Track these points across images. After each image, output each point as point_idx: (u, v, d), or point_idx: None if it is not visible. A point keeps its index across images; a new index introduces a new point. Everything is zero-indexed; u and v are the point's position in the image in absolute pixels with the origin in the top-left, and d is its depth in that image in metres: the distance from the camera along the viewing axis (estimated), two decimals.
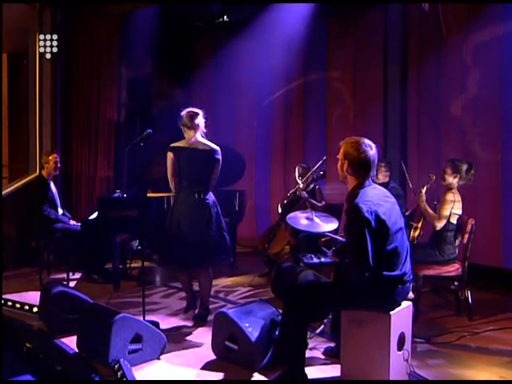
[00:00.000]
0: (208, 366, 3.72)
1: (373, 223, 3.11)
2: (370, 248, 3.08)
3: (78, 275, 6.33)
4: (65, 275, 6.09)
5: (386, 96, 6.99)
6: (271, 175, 8.38)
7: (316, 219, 4.51)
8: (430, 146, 6.49)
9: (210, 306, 4.85)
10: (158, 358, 3.83)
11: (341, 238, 4.42)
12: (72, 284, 5.88)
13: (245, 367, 3.61)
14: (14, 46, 8.43)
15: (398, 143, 6.83)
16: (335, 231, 4.87)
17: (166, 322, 4.61)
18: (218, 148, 4.71)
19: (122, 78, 7.80)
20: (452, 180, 4.70)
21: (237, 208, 6.70)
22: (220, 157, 4.70)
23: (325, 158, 5.90)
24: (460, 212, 4.70)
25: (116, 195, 6.27)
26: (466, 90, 6.20)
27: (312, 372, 3.49)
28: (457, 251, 4.77)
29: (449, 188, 4.72)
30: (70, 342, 4.04)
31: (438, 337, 4.19)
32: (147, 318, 4.37)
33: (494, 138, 6.01)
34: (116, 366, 3.48)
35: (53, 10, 7.36)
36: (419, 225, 4.85)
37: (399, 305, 3.35)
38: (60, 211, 6.24)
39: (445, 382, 3.50)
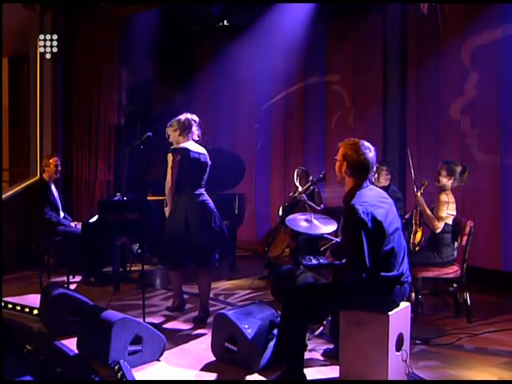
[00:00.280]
0: (207, 367, 3.73)
1: (369, 224, 3.13)
2: (366, 249, 3.10)
3: (78, 278, 6.35)
4: (65, 278, 6.10)
5: (386, 99, 7.01)
6: (271, 179, 8.40)
7: (315, 221, 4.53)
8: (429, 148, 6.51)
9: (210, 309, 4.86)
10: (158, 360, 3.84)
11: (339, 240, 4.45)
12: (72, 287, 5.88)
13: (244, 368, 3.62)
14: (15, 50, 8.46)
15: (397, 146, 6.84)
16: (334, 233, 4.89)
17: (166, 325, 4.63)
18: None
19: (122, 82, 7.83)
20: (446, 182, 4.76)
21: (236, 211, 6.72)
22: None
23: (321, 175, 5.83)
24: (454, 213, 4.74)
25: (116, 198, 6.28)
26: (465, 93, 6.23)
27: (311, 373, 3.50)
28: (455, 253, 4.79)
29: (442, 189, 4.76)
30: (70, 344, 4.06)
31: (436, 338, 4.20)
32: (147, 320, 4.39)
33: (492, 141, 6.04)
34: (116, 367, 3.50)
35: (53, 14, 7.39)
36: (419, 229, 4.85)
37: (398, 305, 3.37)
38: (61, 214, 6.26)
39: (444, 382, 3.51)
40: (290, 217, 4.75)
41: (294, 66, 7.82)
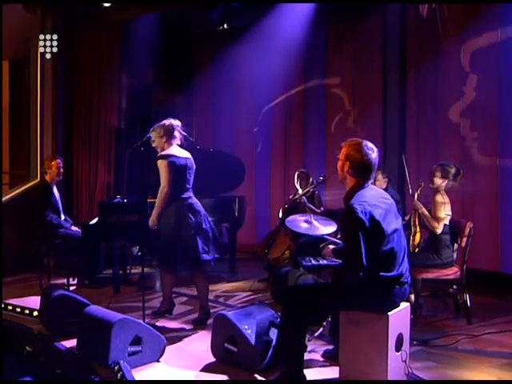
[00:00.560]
0: (207, 368, 3.73)
1: (367, 224, 3.13)
2: (363, 248, 3.11)
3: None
4: (65, 281, 6.11)
5: (385, 101, 7.03)
6: (271, 181, 8.41)
7: (315, 222, 4.53)
8: (428, 150, 6.52)
9: (210, 311, 4.86)
10: (158, 361, 3.84)
11: (340, 241, 4.46)
12: (72, 289, 5.89)
13: (244, 369, 3.62)
14: (16, 53, 8.50)
15: (397, 148, 6.86)
16: (334, 234, 4.90)
17: (166, 326, 4.62)
18: None
19: (122, 84, 7.86)
20: (440, 183, 4.81)
21: (236, 214, 6.72)
22: None
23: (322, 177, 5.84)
24: (450, 213, 4.77)
25: (116, 200, 6.30)
26: (464, 95, 6.25)
27: (311, 374, 3.50)
28: (455, 255, 4.81)
29: (437, 191, 4.80)
30: (71, 345, 4.06)
31: (436, 340, 4.21)
32: (147, 321, 4.40)
33: (492, 143, 6.05)
34: (116, 368, 3.49)
35: (54, 17, 7.42)
36: (418, 231, 4.86)
37: (398, 306, 3.37)
38: (62, 217, 6.26)
39: (444, 382, 3.51)
40: (290, 218, 4.76)
41: (293, 69, 7.85)
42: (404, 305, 3.45)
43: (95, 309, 3.96)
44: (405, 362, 3.36)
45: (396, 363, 3.30)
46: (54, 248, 6.23)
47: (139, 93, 8.12)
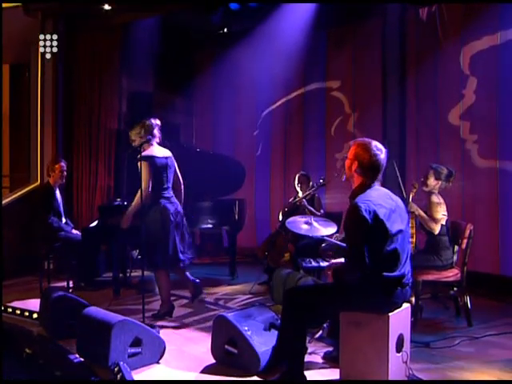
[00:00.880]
0: (207, 370, 3.72)
1: (370, 222, 3.13)
2: (366, 247, 3.11)
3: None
4: (65, 283, 6.11)
5: (385, 104, 7.04)
6: (271, 185, 8.42)
7: (315, 223, 4.54)
8: (428, 153, 6.52)
9: (210, 313, 4.96)
10: (158, 362, 3.83)
11: (340, 243, 4.46)
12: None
13: (244, 371, 3.61)
14: (17, 57, 8.52)
15: (397, 151, 6.87)
16: (334, 235, 4.90)
17: (166, 328, 4.61)
18: None
19: (122, 87, 7.87)
20: (434, 185, 4.87)
21: (236, 217, 6.71)
22: None
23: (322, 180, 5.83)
24: (446, 213, 4.80)
25: (116, 203, 6.30)
26: (464, 98, 6.26)
27: (311, 375, 3.49)
28: (455, 257, 4.81)
29: (431, 192, 4.84)
30: (70, 347, 4.05)
31: (437, 341, 4.20)
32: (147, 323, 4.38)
33: (491, 146, 6.06)
34: (116, 369, 3.48)
35: (55, 21, 7.43)
36: (413, 232, 4.87)
37: (399, 307, 3.36)
38: (63, 220, 6.25)
39: (444, 382, 3.50)
40: (290, 219, 4.76)
41: (293, 73, 7.87)
42: (405, 305, 3.44)
43: (95, 310, 3.95)
44: (405, 363, 3.35)
45: (396, 364, 3.29)
46: (54, 251, 6.23)
47: (139, 95, 8.13)
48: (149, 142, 4.78)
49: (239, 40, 7.89)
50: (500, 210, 6.00)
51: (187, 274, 5.08)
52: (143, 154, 4.70)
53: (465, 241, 4.68)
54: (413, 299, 4.45)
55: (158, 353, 3.83)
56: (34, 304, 5.12)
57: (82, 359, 3.85)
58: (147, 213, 4.72)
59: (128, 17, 7.43)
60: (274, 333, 3.77)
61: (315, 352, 3.97)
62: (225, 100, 8.66)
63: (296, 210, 6.14)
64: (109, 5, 7.07)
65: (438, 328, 4.64)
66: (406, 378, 3.36)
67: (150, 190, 4.70)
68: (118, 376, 3.42)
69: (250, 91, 8.30)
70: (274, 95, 8.26)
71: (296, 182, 6.39)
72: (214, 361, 3.83)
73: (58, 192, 6.24)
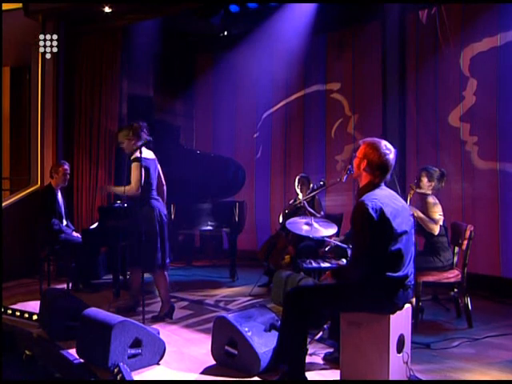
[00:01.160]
0: (207, 371, 3.71)
1: (376, 220, 3.13)
2: (371, 244, 3.12)
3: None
4: (65, 286, 6.11)
5: (385, 106, 7.04)
6: (271, 187, 8.42)
7: (315, 224, 4.53)
8: (428, 155, 6.52)
9: (210, 315, 4.96)
10: (158, 363, 3.83)
11: (341, 244, 4.46)
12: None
13: (244, 372, 3.60)
14: (17, 60, 8.54)
15: (397, 153, 6.86)
16: (335, 236, 4.90)
17: (166, 330, 4.60)
18: None
19: (123, 90, 7.86)
20: (427, 187, 4.91)
21: (236, 218, 6.71)
22: None
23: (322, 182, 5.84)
24: (442, 214, 4.82)
25: (116, 205, 6.29)
26: (464, 100, 6.26)
27: (311, 376, 3.49)
28: (455, 258, 4.81)
29: (426, 194, 4.87)
30: (70, 349, 4.04)
31: (437, 343, 4.19)
32: (147, 326, 4.37)
33: (492, 147, 6.06)
34: (115, 370, 3.48)
35: (55, 23, 7.44)
36: None
37: (400, 309, 3.34)
38: (64, 222, 6.24)
39: (444, 382, 3.49)
40: (291, 220, 4.76)
41: (293, 75, 7.90)
42: (405, 306, 3.42)
43: (95, 311, 3.94)
44: (406, 363, 3.34)
45: (397, 365, 3.28)
46: (54, 253, 6.22)
47: (140, 98, 8.14)
48: (136, 144, 4.83)
49: (239, 42, 7.91)
50: (500, 212, 6.00)
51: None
52: (138, 155, 4.75)
53: (465, 242, 4.68)
54: (413, 300, 4.44)
55: (157, 354, 3.83)
56: (34, 306, 5.13)
57: (81, 360, 3.84)
58: (141, 214, 4.78)
59: (128, 19, 7.43)
60: (275, 334, 3.77)
61: (316, 353, 3.96)
62: (225, 102, 8.67)
63: (296, 211, 6.14)
64: (109, 7, 7.06)
65: (438, 329, 4.63)
66: (406, 379, 3.35)
67: (139, 191, 4.77)
68: (118, 377, 3.42)
69: (250, 94, 8.31)
70: (274, 98, 8.27)
71: (296, 184, 6.39)
72: (214, 362, 3.82)
73: (59, 194, 6.24)
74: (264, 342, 3.69)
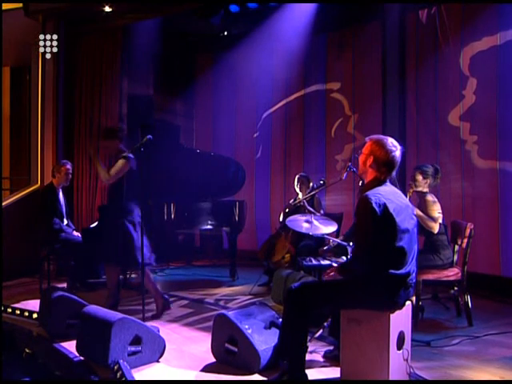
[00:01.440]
0: (207, 369, 3.71)
1: (379, 215, 3.14)
2: (373, 238, 3.13)
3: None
4: (65, 285, 6.11)
5: (385, 106, 7.04)
6: (271, 187, 8.42)
7: (315, 222, 4.52)
8: (428, 155, 6.53)
9: (210, 314, 4.96)
10: (158, 361, 3.82)
11: (341, 242, 4.45)
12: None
13: (244, 369, 3.60)
14: (17, 60, 8.55)
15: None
16: (335, 234, 4.90)
17: (166, 328, 4.60)
18: None
19: (123, 90, 7.86)
20: (424, 185, 4.93)
21: (237, 218, 6.71)
22: None
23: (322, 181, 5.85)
24: (441, 212, 4.82)
25: None
26: (464, 99, 6.27)
27: (312, 374, 3.47)
28: (455, 256, 4.82)
29: (424, 192, 4.88)
30: (70, 347, 4.04)
31: (438, 341, 4.19)
32: (147, 324, 4.37)
33: (492, 147, 6.07)
34: (115, 367, 3.48)
35: (56, 23, 7.45)
36: None
37: (400, 308, 3.34)
38: (65, 221, 6.24)
39: (445, 382, 3.49)
40: (291, 218, 4.75)
41: (293, 75, 7.91)
42: (405, 303, 3.42)
43: (95, 308, 3.94)
44: (406, 360, 3.33)
45: (397, 362, 3.27)
46: (54, 252, 6.21)
47: (140, 98, 8.14)
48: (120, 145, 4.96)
49: (239, 42, 7.91)
50: (500, 211, 5.99)
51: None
52: (126, 154, 4.85)
53: (465, 240, 4.68)
54: (413, 299, 4.44)
55: (157, 351, 3.82)
56: (33, 305, 5.12)
57: (81, 358, 3.84)
58: (128, 212, 4.87)
59: (128, 19, 7.44)
60: (275, 331, 3.77)
61: (316, 351, 3.96)
62: (225, 102, 8.68)
63: (296, 211, 6.13)
64: (109, 7, 7.07)
65: (438, 327, 4.63)
66: (407, 376, 3.35)
67: (111, 182, 4.89)
68: (118, 374, 3.41)
69: (250, 93, 8.32)
70: (274, 97, 8.28)
71: (296, 183, 6.38)
72: (214, 360, 3.82)
73: (61, 193, 6.24)
74: (264, 339, 3.68)
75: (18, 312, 4.94)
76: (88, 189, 7.71)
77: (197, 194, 6.77)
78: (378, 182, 3.34)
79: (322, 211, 6.27)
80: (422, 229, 4.79)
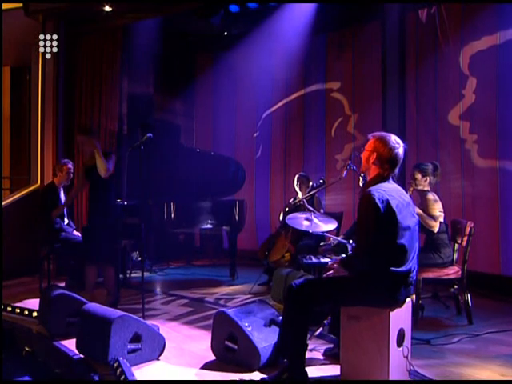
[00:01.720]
0: (207, 366, 3.71)
1: (382, 211, 3.14)
2: (375, 234, 3.13)
3: None
4: (64, 284, 6.10)
5: (385, 105, 7.04)
6: (271, 187, 8.42)
7: (315, 220, 4.53)
8: (428, 154, 6.52)
9: (210, 312, 4.94)
10: (157, 359, 3.82)
11: (341, 240, 4.45)
12: None
13: (244, 367, 3.60)
14: (17, 60, 8.55)
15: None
16: (335, 231, 4.90)
17: (166, 326, 4.60)
18: None
19: (123, 90, 7.87)
20: (424, 183, 4.93)
21: (236, 217, 6.71)
22: None
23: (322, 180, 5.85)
24: (442, 211, 4.82)
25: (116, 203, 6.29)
26: (464, 99, 6.27)
27: (311, 372, 3.47)
28: (455, 255, 4.81)
29: (424, 191, 4.88)
30: (70, 345, 4.04)
31: (438, 339, 4.19)
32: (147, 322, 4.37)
33: (491, 146, 6.06)
34: (115, 365, 3.48)
35: (56, 23, 7.45)
36: None
37: (400, 305, 3.34)
38: (66, 221, 6.23)
39: (445, 382, 3.48)
40: (291, 216, 4.75)
41: (293, 74, 7.91)
42: (406, 300, 3.42)
43: (94, 306, 3.95)
44: (406, 357, 3.33)
45: (397, 359, 3.27)
46: (54, 252, 6.21)
47: (140, 98, 8.15)
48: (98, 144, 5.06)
49: (239, 42, 7.91)
50: (500, 210, 5.99)
51: None
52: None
53: (465, 238, 4.68)
54: (413, 297, 4.44)
55: (157, 349, 3.82)
56: (33, 304, 5.12)
57: (81, 356, 3.84)
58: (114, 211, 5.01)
59: (128, 18, 7.44)
60: (275, 329, 3.77)
61: (316, 349, 3.96)
62: (225, 102, 8.68)
63: (296, 210, 6.12)
64: (109, 6, 7.07)
65: (438, 326, 4.62)
66: (407, 373, 3.35)
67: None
68: (118, 371, 3.42)
69: (250, 93, 8.32)
70: (274, 97, 8.29)
71: (295, 182, 6.38)
72: (213, 358, 3.82)
73: (62, 192, 6.24)
74: (264, 336, 3.68)
75: (17, 310, 4.95)
76: (88, 188, 7.69)
77: (197, 193, 6.77)
78: (382, 178, 3.35)
79: (321, 210, 6.27)
80: (423, 227, 4.79)
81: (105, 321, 3.62)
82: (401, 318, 3.32)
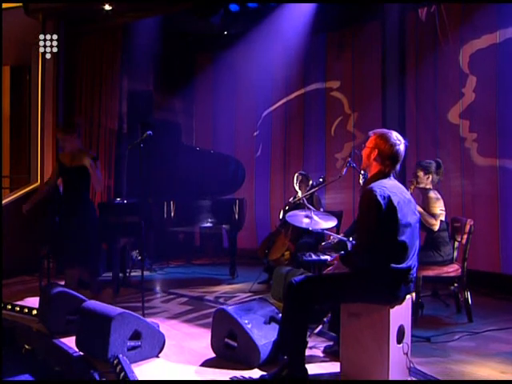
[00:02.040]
0: (207, 364, 3.71)
1: (383, 207, 3.14)
2: (376, 231, 3.13)
3: None
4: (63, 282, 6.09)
5: (385, 104, 7.05)
6: (271, 186, 8.42)
7: (315, 217, 4.53)
8: (428, 153, 6.51)
9: (210, 311, 4.92)
10: (157, 356, 3.82)
11: (341, 237, 4.45)
12: None
13: (244, 364, 3.59)
14: (17, 59, 8.55)
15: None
16: (335, 229, 4.89)
17: (166, 324, 4.60)
18: None
19: (123, 89, 7.88)
20: (426, 181, 4.89)
21: (236, 216, 6.71)
22: None
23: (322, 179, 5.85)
24: (444, 209, 4.80)
25: (116, 202, 6.30)
26: (464, 97, 6.27)
27: (311, 369, 3.46)
28: (455, 252, 4.81)
29: (426, 189, 4.86)
30: (70, 343, 4.03)
31: (438, 336, 4.19)
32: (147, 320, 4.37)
33: (491, 144, 6.06)
34: (115, 362, 3.48)
35: (56, 22, 7.46)
36: None
37: (400, 302, 3.33)
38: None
39: (445, 382, 3.47)
40: (291, 213, 4.75)
41: (293, 73, 7.92)
42: (406, 297, 3.42)
43: (94, 303, 3.94)
44: (406, 354, 3.33)
45: (397, 356, 3.26)
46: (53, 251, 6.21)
47: (140, 96, 8.15)
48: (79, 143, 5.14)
49: (239, 42, 7.92)
50: (500, 209, 5.99)
51: None
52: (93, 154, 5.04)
53: (465, 236, 4.68)
54: (413, 295, 4.43)
55: (157, 346, 3.82)
56: (33, 303, 5.13)
57: (81, 353, 3.84)
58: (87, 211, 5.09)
59: (128, 17, 7.45)
60: (275, 326, 3.77)
61: (315, 346, 3.96)
62: (225, 101, 8.68)
63: (296, 208, 6.12)
64: (109, 5, 7.08)
65: (438, 324, 4.62)
66: (407, 370, 3.34)
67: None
68: (118, 369, 3.41)
69: (249, 92, 8.32)
70: (274, 96, 8.29)
71: (295, 181, 6.38)
72: (213, 355, 3.81)
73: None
74: (264, 334, 3.68)
75: (17, 309, 4.95)
76: None
77: (197, 191, 6.77)
78: (383, 174, 3.35)
79: (321, 209, 6.27)
80: (423, 225, 4.78)
81: (105, 318, 3.62)
82: (401, 314, 3.32)
